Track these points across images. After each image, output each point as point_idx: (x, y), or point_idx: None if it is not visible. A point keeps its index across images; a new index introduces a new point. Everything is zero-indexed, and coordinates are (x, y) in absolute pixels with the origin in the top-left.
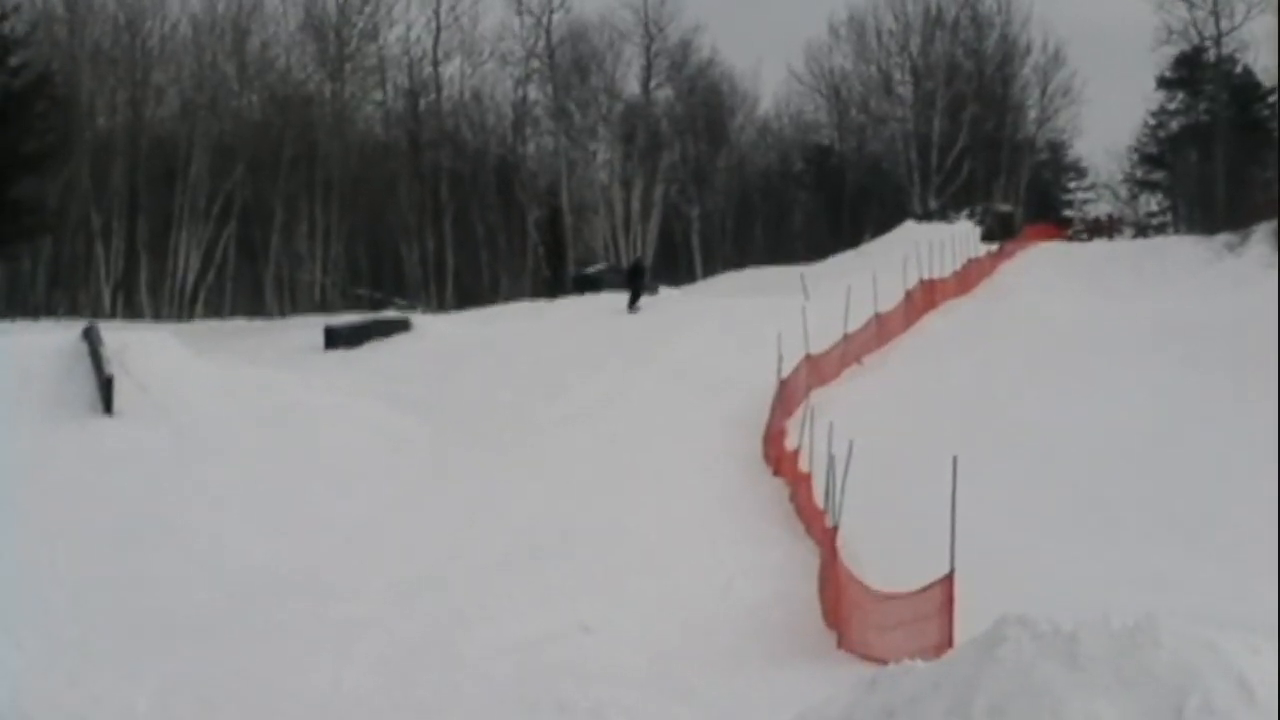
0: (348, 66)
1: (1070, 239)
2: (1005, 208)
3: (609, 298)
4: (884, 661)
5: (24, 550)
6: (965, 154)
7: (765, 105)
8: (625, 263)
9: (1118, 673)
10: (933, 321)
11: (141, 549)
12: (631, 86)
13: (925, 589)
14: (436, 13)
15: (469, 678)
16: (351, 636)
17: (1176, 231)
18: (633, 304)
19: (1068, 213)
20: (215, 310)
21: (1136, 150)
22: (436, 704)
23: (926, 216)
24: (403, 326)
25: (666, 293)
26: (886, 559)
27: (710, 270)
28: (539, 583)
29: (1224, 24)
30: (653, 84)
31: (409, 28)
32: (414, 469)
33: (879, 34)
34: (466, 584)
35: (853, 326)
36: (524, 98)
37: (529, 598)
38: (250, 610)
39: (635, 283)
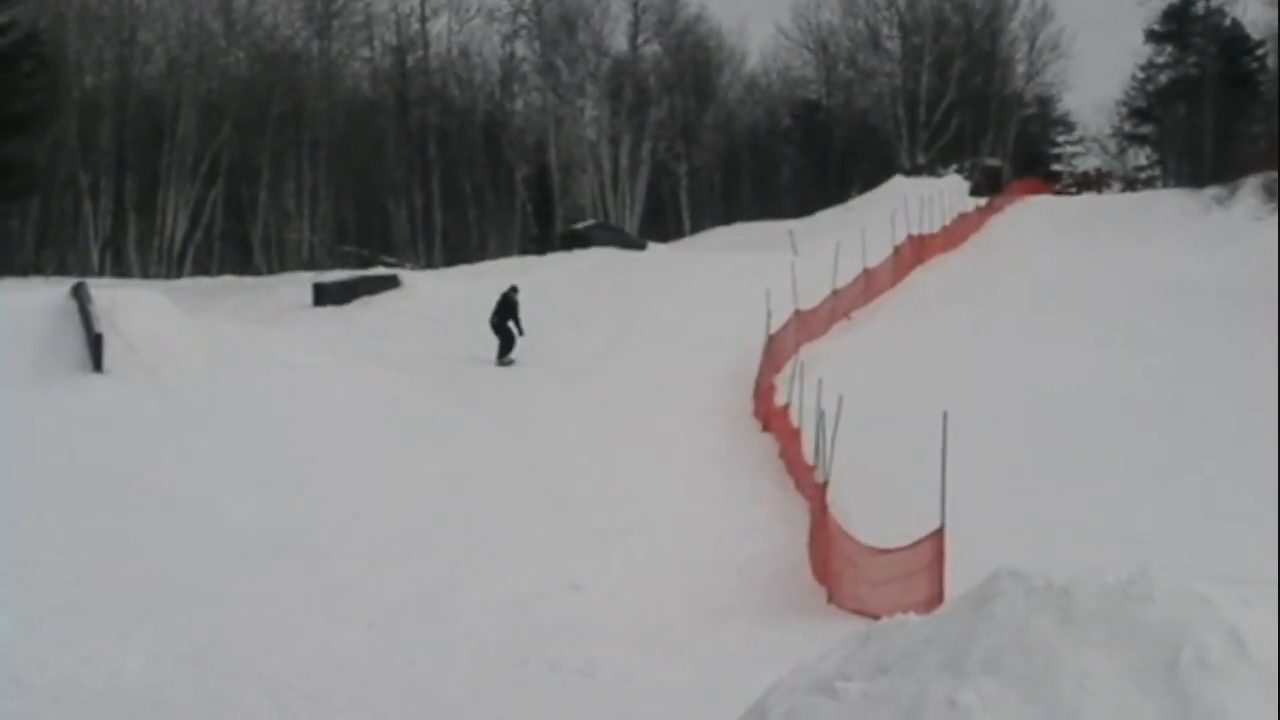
0: (335, 23)
1: (1059, 193)
2: (993, 162)
3: (598, 254)
4: (875, 616)
5: (12, 510)
6: (953, 109)
7: (753, 61)
8: (615, 220)
9: (1111, 626)
10: (921, 276)
11: (130, 509)
12: (619, 43)
13: (916, 544)
14: None
15: (459, 637)
16: (341, 597)
17: (1165, 185)
18: (504, 354)
19: (1056, 167)
20: (203, 268)
21: (1125, 104)
22: (427, 664)
23: (915, 171)
24: (391, 283)
25: (655, 249)
26: (876, 514)
27: (698, 226)
28: (528, 542)
29: None
30: (640, 40)
31: None
32: (403, 428)
33: None
34: (456, 544)
35: (841, 282)
36: (511, 54)
37: (518, 557)
38: (240, 571)
39: (504, 321)
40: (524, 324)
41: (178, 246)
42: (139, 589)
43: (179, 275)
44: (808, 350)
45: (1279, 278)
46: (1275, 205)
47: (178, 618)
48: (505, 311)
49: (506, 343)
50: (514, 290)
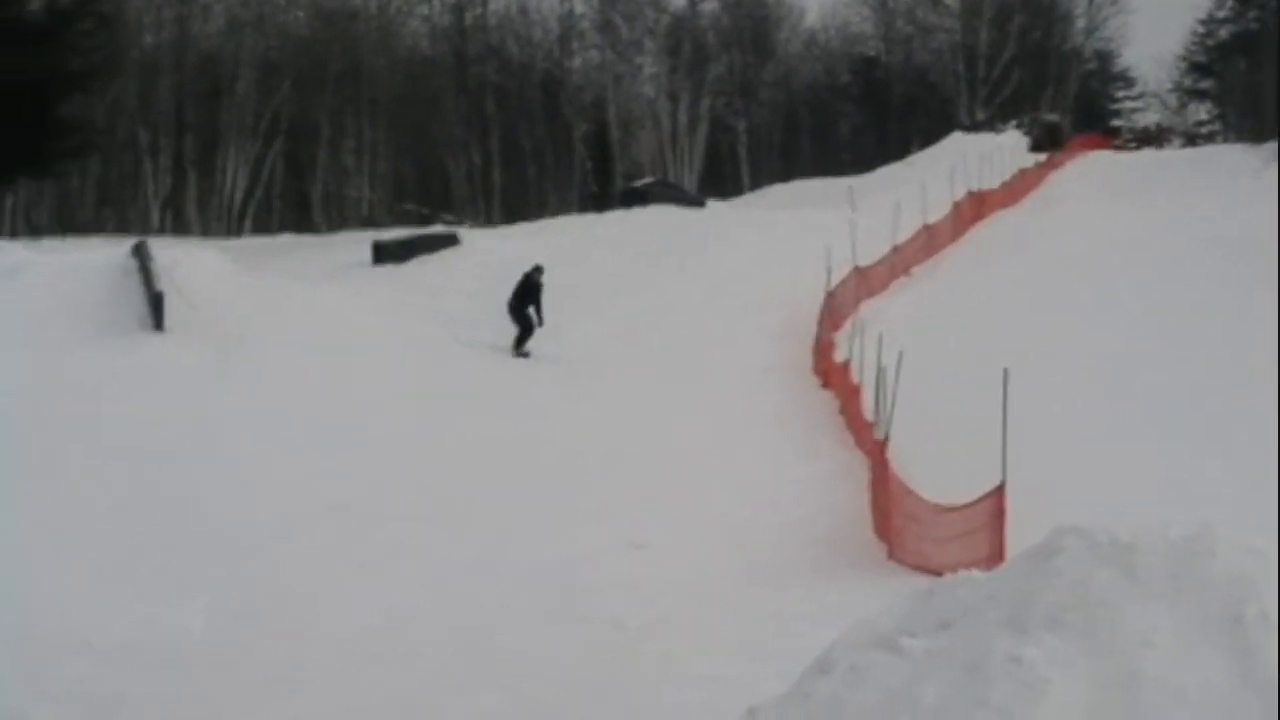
0: None
1: (1118, 149)
2: (1053, 118)
3: (657, 211)
4: (936, 573)
5: (75, 471)
6: (1013, 64)
7: (811, 17)
8: (673, 177)
9: (1174, 582)
10: (981, 233)
11: (190, 468)
12: None
13: (977, 501)
14: None
15: (516, 595)
16: (398, 556)
17: (1225, 140)
18: (521, 343)
19: (1116, 122)
20: (263, 226)
21: (1185, 59)
22: (483, 621)
23: (974, 127)
24: (450, 241)
25: (714, 206)
26: (937, 471)
27: (757, 184)
28: (585, 501)
29: None
30: None
31: None
32: (461, 386)
33: None
34: (513, 503)
35: (901, 238)
36: (570, 11)
37: (575, 516)
38: (297, 530)
39: (524, 306)
40: (545, 310)
41: (237, 205)
42: (198, 548)
43: (238, 234)
44: (867, 307)
45: None
46: None
47: (236, 577)
48: (526, 294)
49: (524, 331)
50: (538, 271)
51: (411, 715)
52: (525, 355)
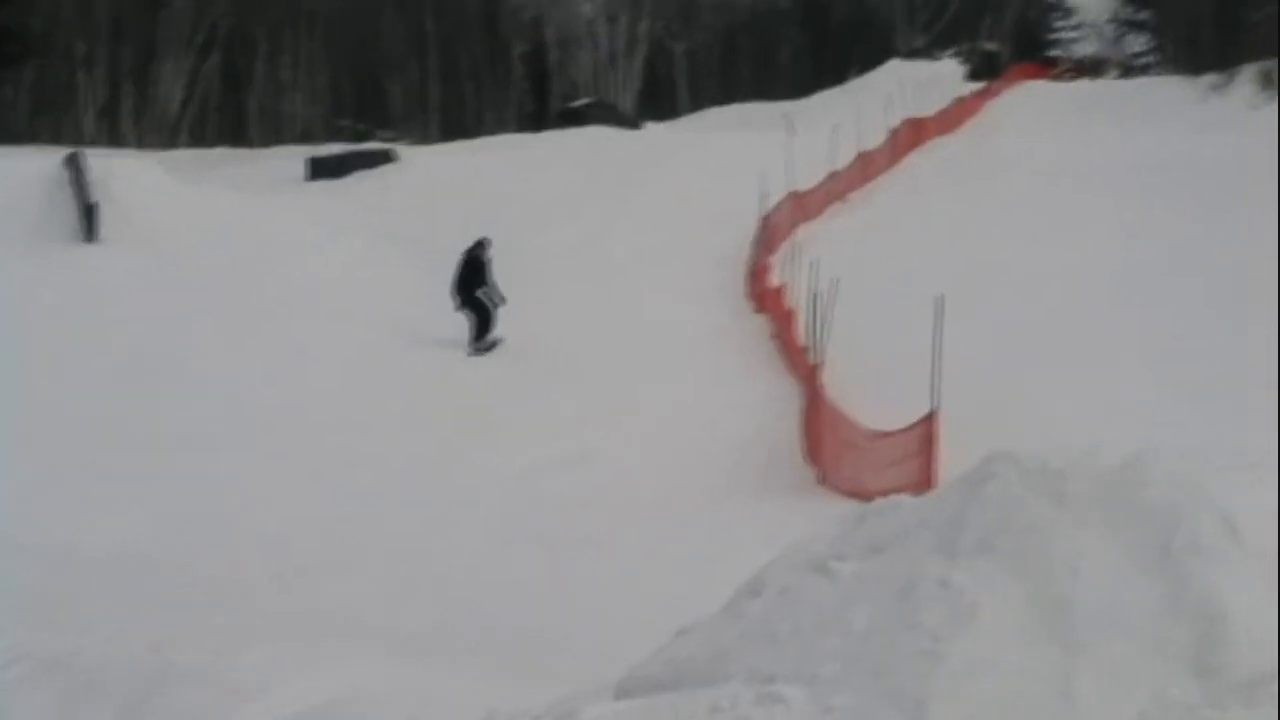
0: None
1: (1056, 79)
2: (991, 46)
3: (593, 132)
4: (866, 498)
5: (9, 379)
6: None
7: None
8: (611, 98)
9: (1105, 510)
10: (918, 160)
11: (129, 378)
12: None
13: (910, 428)
14: None
15: (458, 508)
16: (341, 466)
17: (1162, 72)
18: (479, 336)
19: (1054, 52)
20: (198, 139)
21: None
22: (425, 532)
23: (912, 55)
24: (387, 158)
25: (651, 128)
26: (871, 397)
27: (695, 107)
28: (525, 418)
29: None
30: None
31: None
32: (399, 302)
33: None
34: (454, 418)
35: (838, 164)
36: None
37: (516, 432)
38: (239, 440)
39: (472, 291)
40: (499, 287)
41: (173, 118)
42: (139, 458)
43: (174, 146)
44: (803, 232)
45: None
46: (1274, 93)
47: (175, 485)
48: (472, 275)
49: (481, 320)
50: (481, 246)
51: (353, 625)
52: (491, 347)
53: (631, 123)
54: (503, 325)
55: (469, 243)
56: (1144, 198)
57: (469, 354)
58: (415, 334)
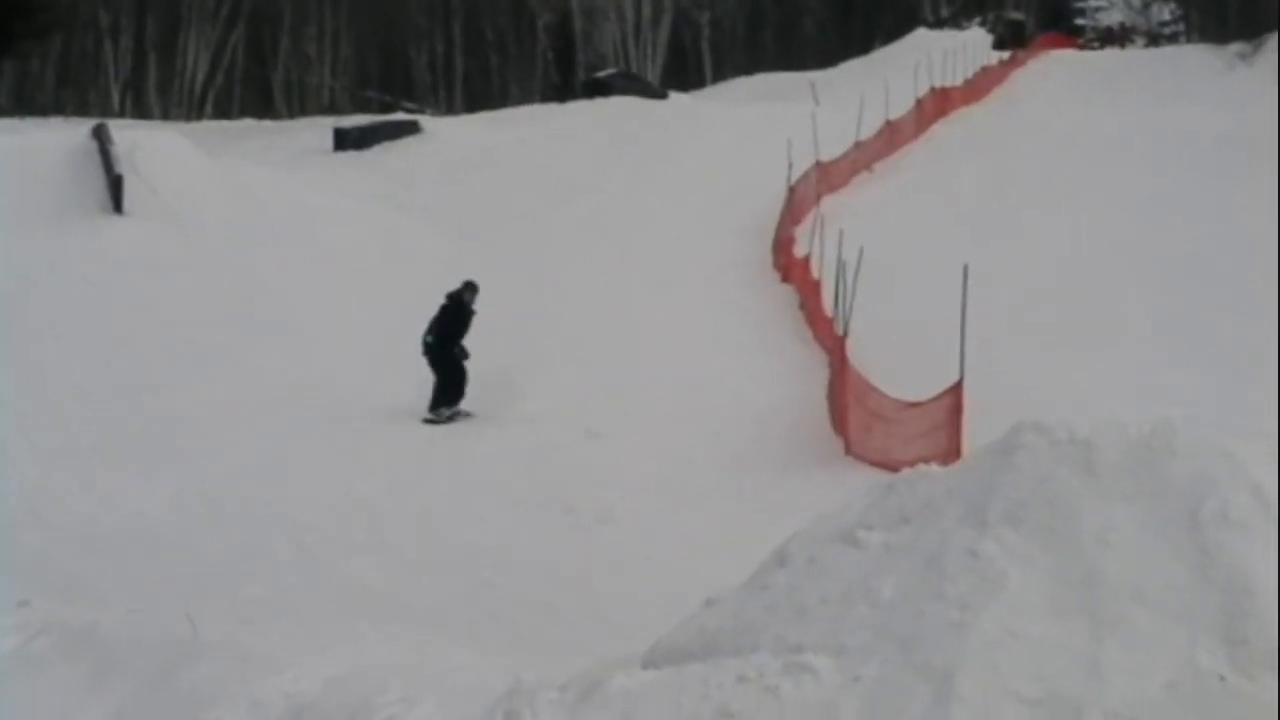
0: None
1: (1082, 48)
2: (1017, 16)
3: (619, 103)
4: (893, 468)
5: (35, 351)
6: None
7: None
8: (636, 69)
9: (1134, 479)
10: (943, 130)
11: (152, 352)
12: None
13: (937, 397)
14: None
15: (478, 483)
16: (360, 443)
17: (1188, 41)
18: (440, 401)
19: (1080, 21)
20: (223, 111)
21: None
22: (445, 508)
23: (938, 24)
24: (412, 129)
25: (676, 98)
26: (896, 367)
27: (720, 77)
28: (549, 391)
29: None
30: None
31: None
32: (423, 274)
33: None
34: (475, 392)
35: (864, 134)
36: None
37: (538, 405)
38: (259, 416)
39: (447, 344)
40: (469, 346)
41: (198, 89)
42: (159, 432)
43: (199, 118)
44: (829, 202)
45: None
46: None
47: (197, 461)
48: (454, 324)
49: (447, 380)
50: (469, 289)
51: (372, 598)
52: (453, 418)
53: (657, 93)
54: (527, 293)
55: (492, 212)
56: (1169, 169)
57: (424, 420)
58: (435, 308)
